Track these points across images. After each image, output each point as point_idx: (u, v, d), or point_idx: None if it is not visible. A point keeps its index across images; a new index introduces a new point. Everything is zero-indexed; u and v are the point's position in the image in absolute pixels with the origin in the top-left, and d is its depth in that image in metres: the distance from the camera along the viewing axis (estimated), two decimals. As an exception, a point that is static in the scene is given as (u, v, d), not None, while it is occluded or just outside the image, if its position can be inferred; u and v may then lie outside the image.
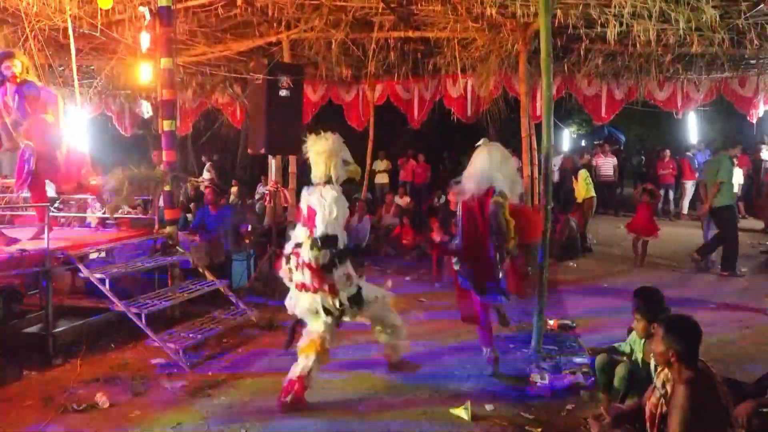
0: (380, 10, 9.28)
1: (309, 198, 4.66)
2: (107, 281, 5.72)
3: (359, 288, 4.76)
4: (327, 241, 4.52)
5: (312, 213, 4.60)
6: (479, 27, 9.44)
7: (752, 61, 11.39)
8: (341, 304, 4.63)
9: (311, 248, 4.51)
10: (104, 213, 7.32)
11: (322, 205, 4.55)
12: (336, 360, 5.42)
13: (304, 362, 4.62)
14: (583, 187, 11.56)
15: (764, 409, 3.91)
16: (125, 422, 4.35)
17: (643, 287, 4.38)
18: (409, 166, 16.05)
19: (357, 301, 4.73)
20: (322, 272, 4.52)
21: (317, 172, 4.67)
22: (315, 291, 4.57)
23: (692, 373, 3.21)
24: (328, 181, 4.65)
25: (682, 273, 9.26)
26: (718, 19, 8.10)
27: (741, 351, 5.71)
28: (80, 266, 5.84)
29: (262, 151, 7.96)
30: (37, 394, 4.80)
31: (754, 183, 15.10)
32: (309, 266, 4.52)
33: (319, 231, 4.53)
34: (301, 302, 4.71)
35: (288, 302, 4.83)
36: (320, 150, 4.66)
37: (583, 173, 11.73)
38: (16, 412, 4.50)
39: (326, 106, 13.99)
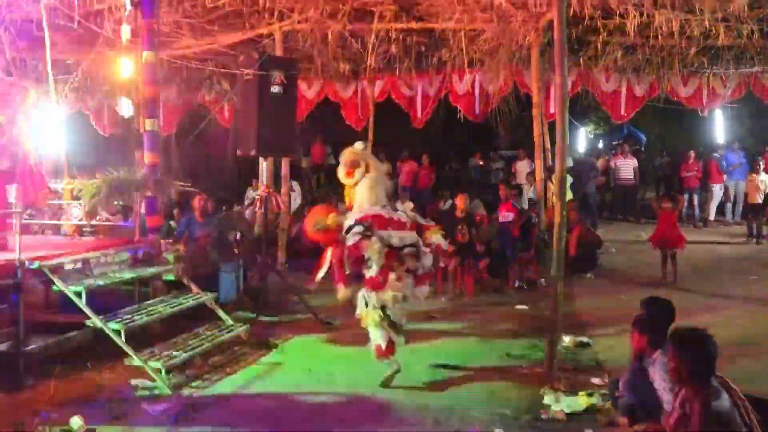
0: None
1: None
2: (83, 294, 5.71)
3: None
4: None
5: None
6: (488, 18, 9.45)
7: (784, 54, 11.40)
8: None
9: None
10: (81, 220, 7.32)
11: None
12: (334, 380, 5.43)
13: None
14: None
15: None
16: (102, 449, 4.34)
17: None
18: (408, 169, 15.97)
19: None
20: None
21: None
22: None
23: (708, 390, 3.20)
24: None
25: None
26: (746, 8, 8.11)
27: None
28: (54, 278, 5.82)
29: (253, 152, 7.95)
30: (6, 418, 4.77)
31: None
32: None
33: None
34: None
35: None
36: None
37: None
38: (-17, 438, 4.49)
39: (322, 103, 14.00)
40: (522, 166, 15.21)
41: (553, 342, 5.74)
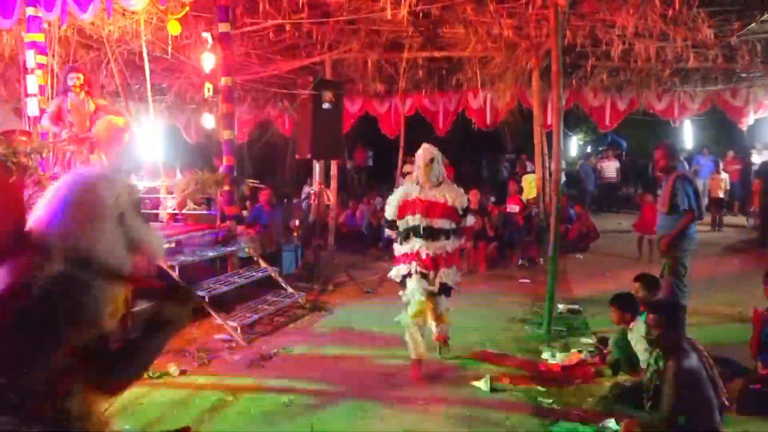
0: (410, 33, 9.26)
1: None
2: (177, 268, 5.82)
3: None
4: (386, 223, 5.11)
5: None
6: (497, 47, 9.36)
7: (743, 75, 11.09)
8: None
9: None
10: (174, 209, 7.45)
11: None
12: (373, 337, 5.46)
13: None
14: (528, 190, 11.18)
15: (752, 386, 3.83)
16: (192, 388, 4.44)
17: (617, 294, 4.60)
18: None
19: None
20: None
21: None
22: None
23: (679, 349, 3.17)
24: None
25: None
26: (712, 37, 7.91)
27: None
28: (154, 254, 5.92)
29: (308, 156, 8.01)
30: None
31: (745, 184, 14.69)
32: None
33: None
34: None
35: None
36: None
37: (529, 177, 11.51)
38: (101, 379, 4.60)
39: (363, 117, 14.01)
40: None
41: (551, 309, 5.70)
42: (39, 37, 6.12)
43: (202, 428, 3.82)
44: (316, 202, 8.90)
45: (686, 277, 5.06)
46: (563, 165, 14.99)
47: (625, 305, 4.50)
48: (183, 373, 4.71)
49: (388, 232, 5.08)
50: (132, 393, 4.32)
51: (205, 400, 4.23)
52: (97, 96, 6.48)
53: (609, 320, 5.33)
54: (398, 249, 4.83)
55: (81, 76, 6.12)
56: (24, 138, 5.68)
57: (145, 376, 4.58)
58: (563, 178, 14.13)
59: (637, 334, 4.24)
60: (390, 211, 4.87)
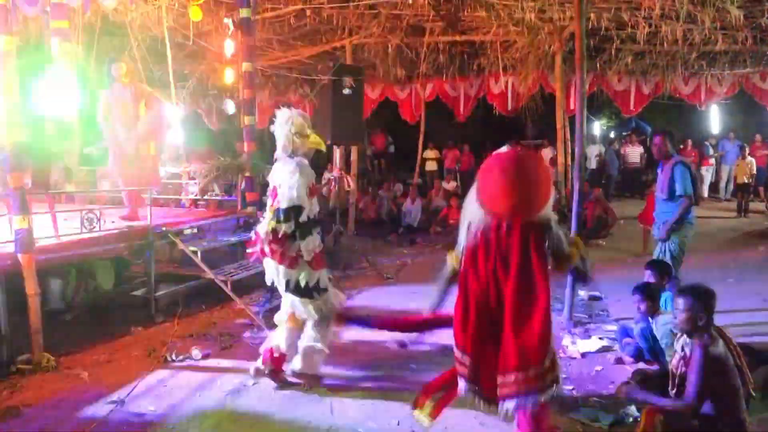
0: (431, 17, 9.17)
1: (273, 173, 4.11)
2: (199, 253, 5.87)
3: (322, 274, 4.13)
4: (287, 214, 3.94)
5: (275, 187, 4.04)
6: (519, 30, 9.23)
7: (773, 57, 10.81)
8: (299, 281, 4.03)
9: (271, 220, 3.97)
10: (196, 195, 7.51)
11: (283, 179, 3.97)
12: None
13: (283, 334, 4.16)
14: None
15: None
16: (215, 371, 4.49)
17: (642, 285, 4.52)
18: (451, 155, 15.92)
19: (316, 286, 4.09)
20: (282, 244, 3.96)
21: (279, 147, 4.12)
22: (279, 262, 4.00)
23: (707, 336, 3.12)
24: (290, 154, 4.07)
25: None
26: (742, 18, 7.70)
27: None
28: (177, 240, 6.00)
29: (328, 141, 7.97)
30: (142, 347, 4.98)
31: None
32: (268, 238, 3.98)
33: (283, 204, 3.94)
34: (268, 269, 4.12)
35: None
36: (279, 123, 4.11)
37: None
38: (125, 361, 4.69)
39: (383, 102, 13.96)
40: (546, 153, 14.89)
41: (572, 295, 5.64)
42: (64, 24, 6.16)
43: (223, 411, 3.86)
44: (336, 187, 8.91)
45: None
46: (599, 151, 14.92)
47: (651, 294, 4.45)
48: (206, 356, 4.76)
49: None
50: (157, 376, 4.40)
51: (227, 383, 4.27)
52: (141, 83, 6.52)
53: (630, 307, 5.29)
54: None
55: (123, 65, 6.14)
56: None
57: (168, 359, 4.66)
58: (594, 165, 14.10)
59: (661, 326, 4.20)
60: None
